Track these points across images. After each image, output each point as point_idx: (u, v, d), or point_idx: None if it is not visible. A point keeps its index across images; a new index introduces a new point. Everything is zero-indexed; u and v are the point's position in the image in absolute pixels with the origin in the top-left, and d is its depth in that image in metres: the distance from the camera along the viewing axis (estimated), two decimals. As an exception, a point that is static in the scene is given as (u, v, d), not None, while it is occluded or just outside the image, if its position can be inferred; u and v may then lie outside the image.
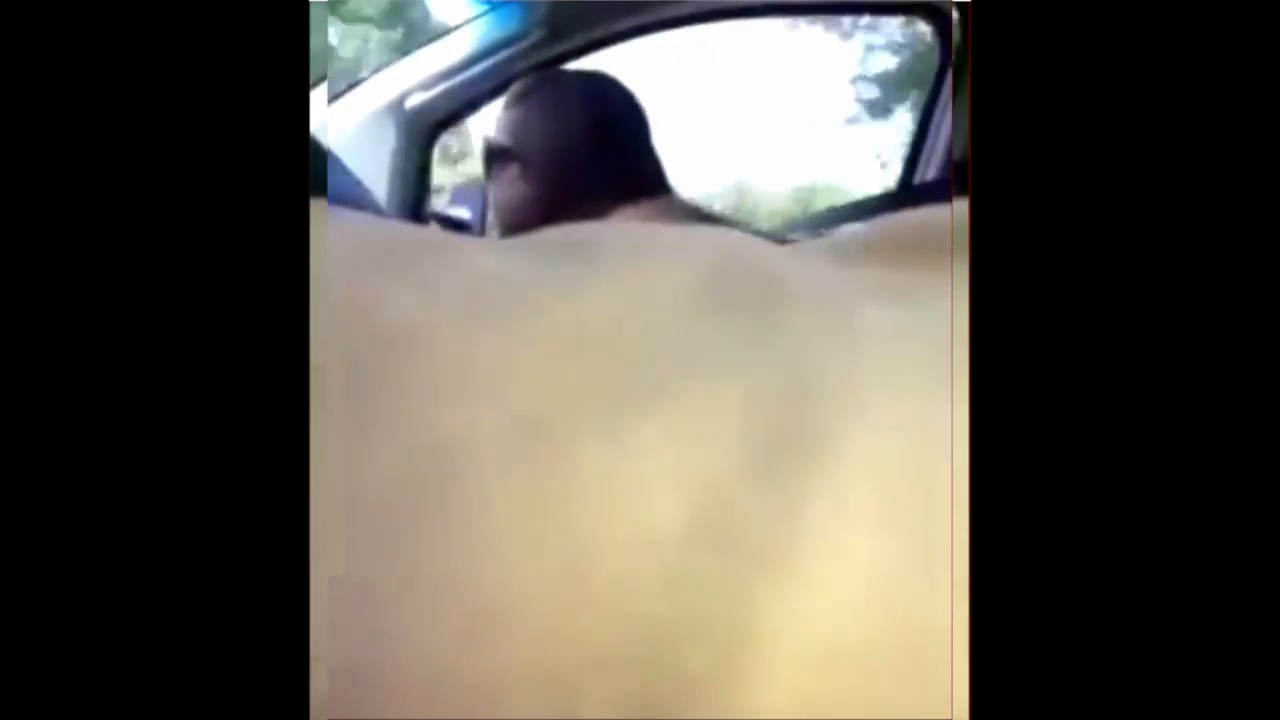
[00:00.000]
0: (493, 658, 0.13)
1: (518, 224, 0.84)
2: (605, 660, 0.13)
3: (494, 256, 0.16)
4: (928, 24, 1.45)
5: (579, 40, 1.21)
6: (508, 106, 0.85)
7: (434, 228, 1.04)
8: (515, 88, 0.85)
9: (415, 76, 1.19)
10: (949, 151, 1.36)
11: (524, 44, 1.18)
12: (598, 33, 1.22)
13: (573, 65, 1.18)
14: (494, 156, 0.84)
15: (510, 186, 0.83)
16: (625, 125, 0.83)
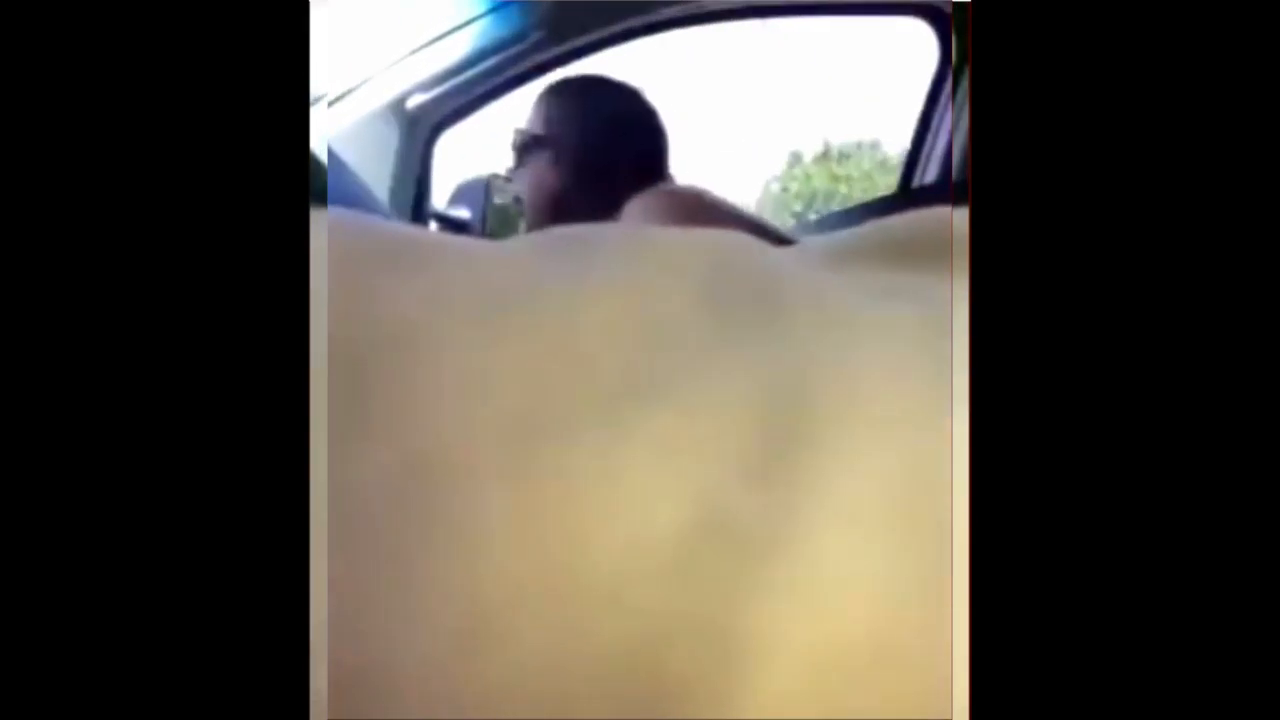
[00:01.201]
0: (492, 657, 0.13)
1: (547, 209, 0.90)
2: (604, 660, 0.13)
3: (494, 257, 0.16)
4: (927, 25, 1.45)
5: (580, 41, 1.21)
6: (542, 101, 0.91)
7: (434, 228, 1.04)
8: (551, 85, 0.93)
9: (416, 77, 1.19)
10: (948, 153, 1.36)
11: (525, 45, 1.18)
12: (599, 34, 1.22)
13: (577, 66, 1.19)
14: (527, 145, 0.90)
15: (542, 173, 0.89)
16: (644, 122, 0.91)
